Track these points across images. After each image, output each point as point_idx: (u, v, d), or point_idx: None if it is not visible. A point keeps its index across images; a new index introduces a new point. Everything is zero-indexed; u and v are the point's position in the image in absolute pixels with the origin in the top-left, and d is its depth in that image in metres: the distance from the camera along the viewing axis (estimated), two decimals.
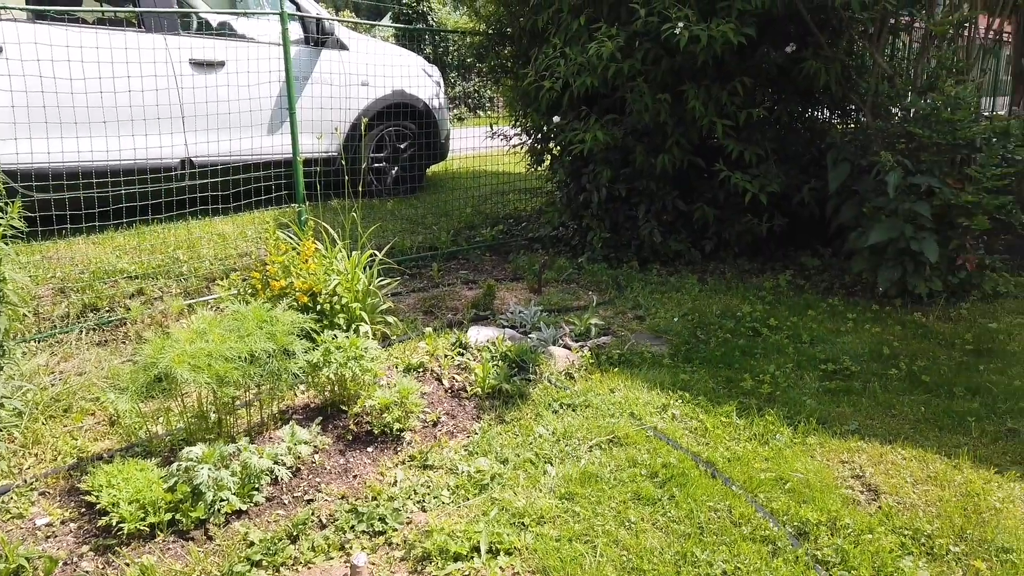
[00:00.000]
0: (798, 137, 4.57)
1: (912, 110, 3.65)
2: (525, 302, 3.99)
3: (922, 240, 3.42)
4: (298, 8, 5.52)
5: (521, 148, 5.46)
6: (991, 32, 4.56)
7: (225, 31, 5.25)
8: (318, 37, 5.52)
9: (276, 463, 2.34)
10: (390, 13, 15.88)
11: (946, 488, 2.25)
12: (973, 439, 2.54)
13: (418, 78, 6.26)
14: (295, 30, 5.49)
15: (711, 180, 4.58)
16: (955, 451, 2.45)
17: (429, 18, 15.74)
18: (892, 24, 4.13)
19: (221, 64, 5.03)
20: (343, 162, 4.28)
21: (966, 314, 3.55)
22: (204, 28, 5.25)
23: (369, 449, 2.56)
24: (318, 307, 3.20)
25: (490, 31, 4.96)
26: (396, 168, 6.29)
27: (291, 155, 4.25)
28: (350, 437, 2.62)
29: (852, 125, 4.79)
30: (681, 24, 3.78)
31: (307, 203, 4.26)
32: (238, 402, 2.66)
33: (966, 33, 3.87)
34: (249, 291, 3.41)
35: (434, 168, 7.43)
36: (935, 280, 3.55)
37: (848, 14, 3.70)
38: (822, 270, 4.39)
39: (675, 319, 3.69)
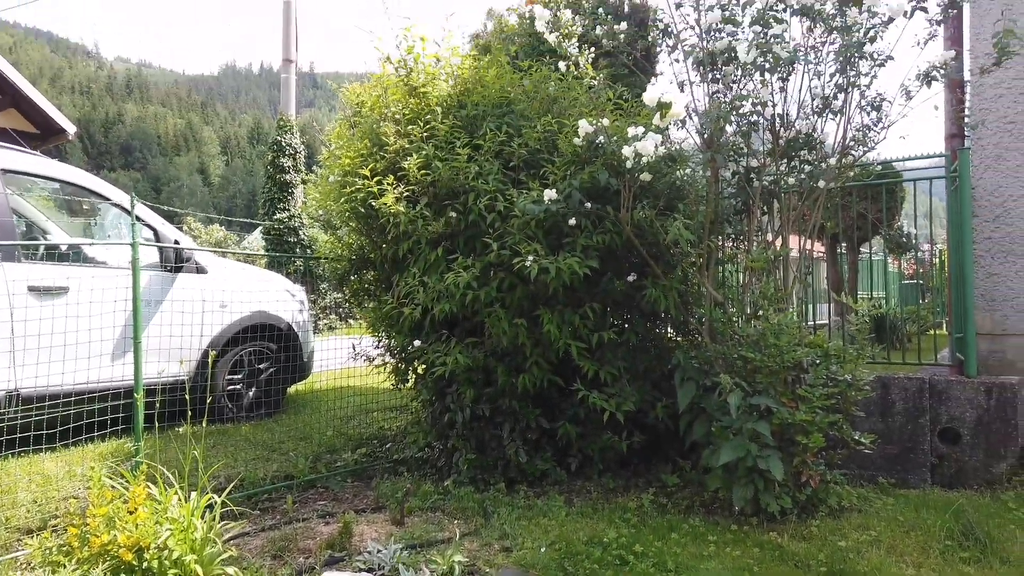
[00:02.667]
0: (648, 355, 4.83)
1: (744, 335, 3.97)
2: (387, 537, 3.74)
3: (767, 458, 3.57)
4: (156, 235, 5.48)
5: (385, 367, 5.42)
6: (805, 251, 5.20)
7: (73, 256, 5.09)
8: (174, 264, 5.46)
9: None
10: (260, 228, 16.16)
11: None
12: None
13: (281, 298, 6.24)
14: (152, 254, 5.41)
15: (572, 397, 4.69)
16: None
17: (300, 232, 16.11)
18: (719, 256, 4.60)
19: (64, 290, 4.81)
20: (195, 387, 4.06)
21: (817, 532, 3.65)
22: (51, 253, 5.07)
23: None
24: (144, 564, 2.85)
25: (353, 257, 5.09)
26: (253, 390, 6.05)
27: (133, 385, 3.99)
28: None
29: (697, 337, 5.14)
30: (531, 258, 4.04)
31: (151, 435, 3.94)
32: None
33: (782, 262, 4.36)
34: (63, 551, 3.00)
35: (297, 387, 7.21)
36: (784, 497, 3.67)
37: (678, 249, 4.09)
38: (682, 487, 4.46)
39: (543, 549, 3.56)
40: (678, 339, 5.17)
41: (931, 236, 8.44)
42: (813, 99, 4.47)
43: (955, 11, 4.29)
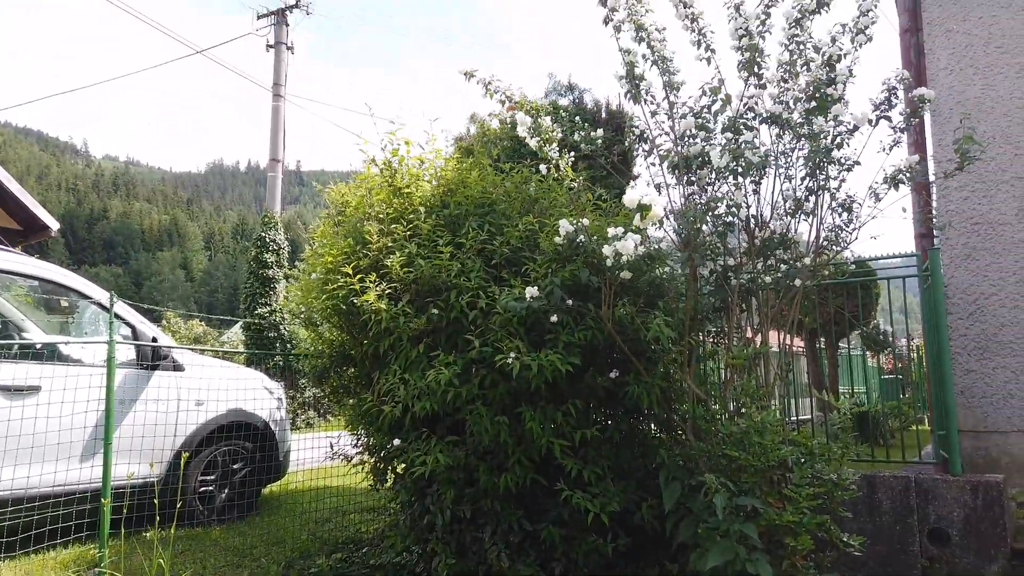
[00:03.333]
0: (632, 453, 4.76)
1: (728, 433, 3.94)
2: None
3: (756, 562, 3.47)
4: (134, 332, 5.43)
5: (363, 466, 5.29)
6: (785, 347, 5.27)
7: (48, 354, 5.01)
8: (151, 362, 5.39)
9: None
10: (241, 322, 16.08)
11: None
12: None
13: (258, 396, 6.13)
14: (129, 351, 5.34)
15: (555, 497, 4.58)
16: None
17: (281, 327, 16.04)
18: (700, 353, 4.62)
19: (35, 390, 4.71)
20: (167, 489, 3.92)
21: None
22: (25, 352, 4.99)
23: None
24: None
25: (333, 354, 5.05)
26: (226, 491, 5.85)
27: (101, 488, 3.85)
28: None
29: (681, 434, 5.08)
30: (513, 355, 4.03)
31: (117, 540, 3.77)
32: None
33: (763, 359, 4.38)
34: None
35: (272, 487, 6.99)
36: None
37: (659, 346, 4.11)
38: None
39: None
40: (662, 436, 5.11)
41: (908, 331, 8.55)
42: (785, 201, 4.62)
43: (917, 120, 4.52)
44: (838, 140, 4.20)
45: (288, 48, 19.77)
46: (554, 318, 4.11)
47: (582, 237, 3.92)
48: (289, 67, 19.72)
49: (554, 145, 4.30)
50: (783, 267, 4.44)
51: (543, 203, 4.62)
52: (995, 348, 5.56)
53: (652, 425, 5.16)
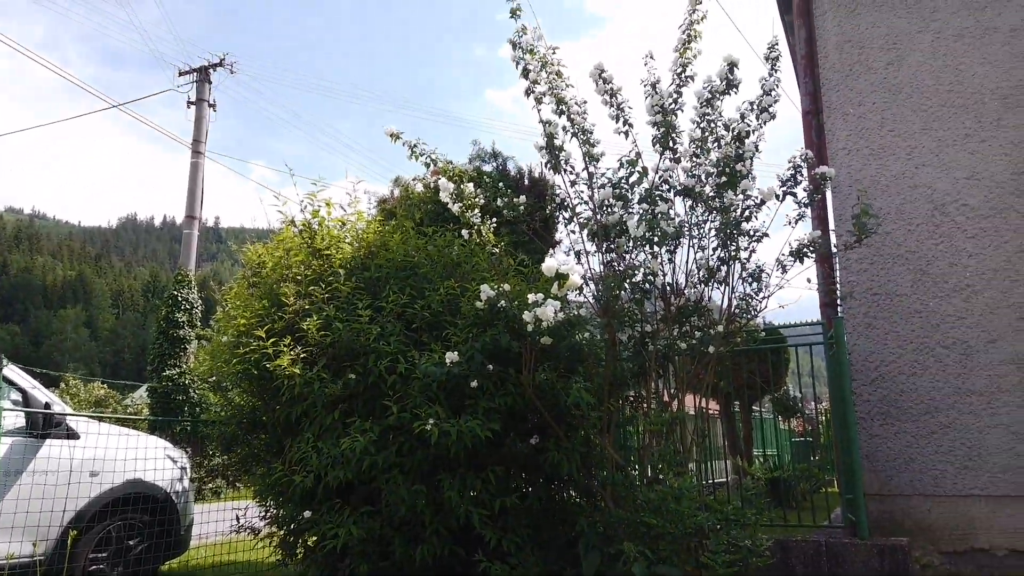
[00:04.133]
0: (552, 521, 4.69)
1: (646, 499, 3.94)
2: None
3: None
4: (25, 398, 5.06)
5: (272, 539, 5.01)
6: (701, 410, 5.36)
7: None
8: (42, 430, 5.02)
9: None
10: (146, 385, 15.30)
11: None
12: None
13: (159, 466, 5.78)
14: (17, 418, 4.96)
15: (474, 569, 4.44)
16: None
17: (191, 391, 15.33)
18: (619, 418, 4.65)
19: None
20: (52, 570, 3.59)
21: None
22: None
23: None
24: None
25: (243, 420, 4.83)
26: (119, 570, 5.43)
27: None
28: None
29: (601, 501, 5.05)
30: (432, 421, 3.95)
31: None
32: None
33: (680, 424, 4.45)
34: None
35: (171, 563, 6.53)
36: None
37: (579, 412, 4.12)
38: None
39: None
40: (582, 502, 5.07)
41: (815, 396, 8.88)
42: (699, 270, 4.78)
43: (820, 196, 4.79)
44: (747, 213, 4.40)
45: (210, 105, 19.52)
46: (474, 383, 4.07)
47: (503, 302, 3.93)
48: (211, 123, 19.45)
49: (476, 211, 4.34)
50: (698, 334, 4.56)
51: (465, 267, 4.64)
52: (896, 413, 5.81)
53: (572, 491, 5.12)
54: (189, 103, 19.42)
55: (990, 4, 6.08)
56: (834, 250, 5.53)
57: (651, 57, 5.00)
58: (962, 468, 5.60)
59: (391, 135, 4.45)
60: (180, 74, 19.71)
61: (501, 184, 4.95)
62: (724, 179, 4.37)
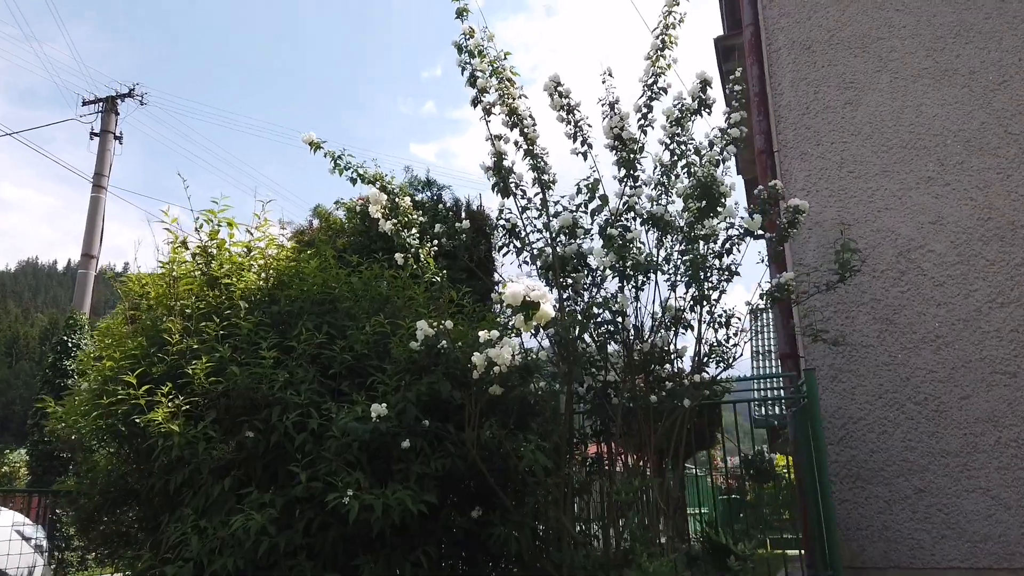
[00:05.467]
0: None
1: None
2: None
3: None
4: None
5: None
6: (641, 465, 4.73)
7: None
8: None
9: None
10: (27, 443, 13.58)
11: None
12: None
13: (9, 548, 4.66)
14: None
15: None
16: None
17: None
18: (576, 486, 3.92)
19: None
20: None
21: None
22: None
23: None
24: None
25: (110, 490, 3.83)
26: None
27: None
28: None
29: None
30: (351, 491, 3.13)
31: None
32: None
33: (646, 496, 3.76)
34: None
35: None
36: None
37: (533, 479, 3.38)
38: None
39: None
40: None
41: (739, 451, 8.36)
42: (663, 312, 4.18)
43: (795, 229, 4.30)
44: (727, 245, 3.84)
45: (116, 137, 18.14)
46: (406, 443, 3.28)
47: (444, 343, 3.19)
48: (116, 157, 18.05)
49: (414, 231, 3.61)
50: (668, 384, 3.92)
51: (397, 302, 3.85)
52: (867, 476, 5.30)
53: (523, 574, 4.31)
54: (92, 134, 17.99)
55: (948, 46, 5.90)
56: (810, 292, 5.02)
57: (609, 75, 4.50)
58: (940, 537, 5.10)
59: (310, 143, 3.68)
60: (84, 103, 18.28)
61: (440, 206, 4.28)
62: (704, 203, 3.79)
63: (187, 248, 3.90)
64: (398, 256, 3.64)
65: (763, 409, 11.45)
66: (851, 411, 5.47)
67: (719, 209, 3.70)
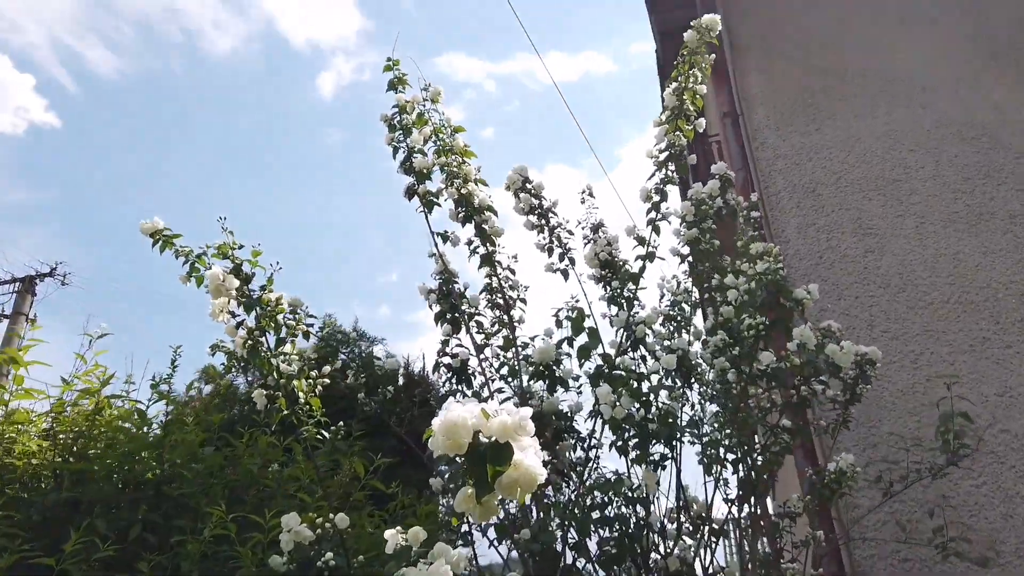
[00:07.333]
0: None
1: None
2: None
3: None
4: None
5: None
6: None
7: None
8: None
9: None
10: None
11: None
12: None
13: None
14: None
15: None
16: None
17: None
18: None
19: None
20: None
21: None
22: None
23: None
24: None
25: None
26: None
27: None
28: None
29: None
30: None
31: None
32: None
33: None
34: None
35: None
36: None
37: None
38: None
39: None
40: None
41: None
42: (683, 506, 2.71)
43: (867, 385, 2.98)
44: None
45: (29, 320, 16.43)
46: None
47: (330, 556, 1.67)
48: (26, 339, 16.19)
49: (295, 340, 2.15)
50: None
51: (268, 481, 2.29)
52: None
53: None
54: (3, 316, 16.25)
55: (978, 187, 5.08)
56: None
57: (590, 194, 3.43)
58: None
59: (152, 234, 2.27)
60: None
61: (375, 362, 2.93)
62: (750, 343, 2.46)
63: None
64: (257, 395, 2.08)
65: None
66: None
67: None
